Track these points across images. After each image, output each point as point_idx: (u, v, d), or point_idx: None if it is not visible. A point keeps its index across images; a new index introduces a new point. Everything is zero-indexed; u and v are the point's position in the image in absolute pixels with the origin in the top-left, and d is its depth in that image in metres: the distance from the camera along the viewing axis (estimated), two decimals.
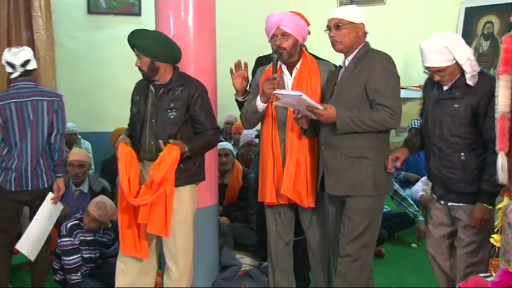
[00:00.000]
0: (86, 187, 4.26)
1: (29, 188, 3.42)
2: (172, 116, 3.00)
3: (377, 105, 2.70)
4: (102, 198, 3.85)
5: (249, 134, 5.37)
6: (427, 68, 2.77)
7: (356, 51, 2.81)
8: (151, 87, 3.07)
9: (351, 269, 2.82)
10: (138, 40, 2.97)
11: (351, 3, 7.01)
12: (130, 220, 3.00)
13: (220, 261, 3.74)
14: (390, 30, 6.38)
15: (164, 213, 2.93)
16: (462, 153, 2.73)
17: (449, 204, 2.84)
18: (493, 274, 2.35)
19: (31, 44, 6.63)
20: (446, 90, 2.79)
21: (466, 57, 2.68)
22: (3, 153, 3.41)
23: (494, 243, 2.41)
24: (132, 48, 3.01)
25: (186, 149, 2.92)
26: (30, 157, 3.40)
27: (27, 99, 3.38)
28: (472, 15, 6.82)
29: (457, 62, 2.68)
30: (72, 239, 3.57)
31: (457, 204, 2.80)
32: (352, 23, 2.77)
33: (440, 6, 6.90)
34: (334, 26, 2.78)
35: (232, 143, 5.96)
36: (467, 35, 6.81)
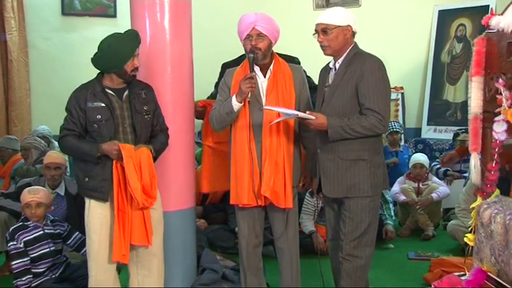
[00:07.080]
0: (62, 190, 4.20)
1: None
2: (148, 119, 3.03)
3: (366, 109, 2.72)
4: (27, 187, 3.78)
5: None
6: None
7: (345, 53, 2.82)
8: (109, 92, 2.99)
9: (356, 268, 2.83)
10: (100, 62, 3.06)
11: (327, 6, 7.05)
12: (125, 228, 2.92)
13: (200, 264, 3.72)
14: (365, 32, 6.39)
15: (143, 220, 2.94)
16: None
17: None
18: (467, 273, 2.39)
19: (3, 45, 6.53)
20: None
21: None
22: None
23: (468, 242, 2.45)
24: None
25: (152, 150, 2.95)
26: None
27: None
28: (445, 17, 6.93)
29: None
30: (15, 243, 3.47)
31: None
32: (339, 26, 2.76)
33: (414, 9, 6.99)
34: (321, 31, 2.78)
35: None
36: (441, 37, 6.93)
